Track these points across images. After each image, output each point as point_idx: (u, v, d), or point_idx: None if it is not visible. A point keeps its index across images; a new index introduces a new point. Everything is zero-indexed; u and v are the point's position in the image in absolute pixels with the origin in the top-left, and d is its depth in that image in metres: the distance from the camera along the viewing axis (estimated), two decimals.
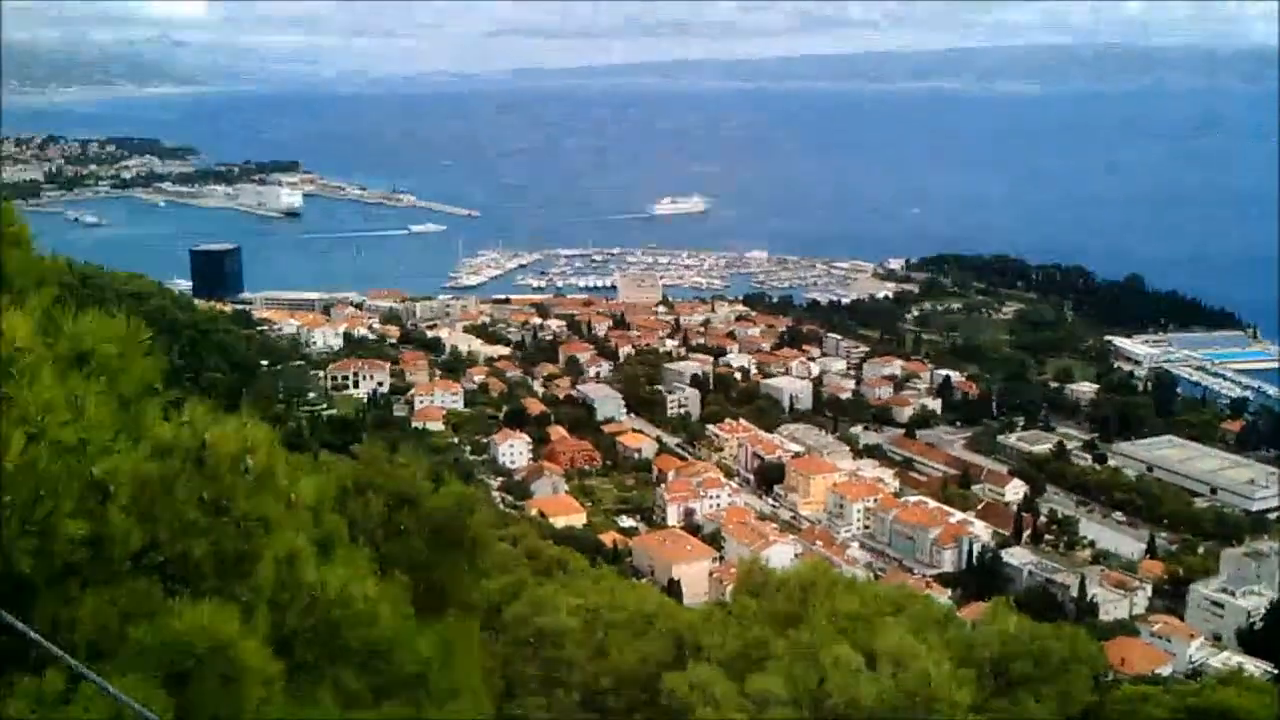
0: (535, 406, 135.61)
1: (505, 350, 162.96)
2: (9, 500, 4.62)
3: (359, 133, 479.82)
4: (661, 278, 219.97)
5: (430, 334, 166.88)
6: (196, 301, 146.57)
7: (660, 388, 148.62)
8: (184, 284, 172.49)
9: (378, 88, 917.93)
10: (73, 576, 5.06)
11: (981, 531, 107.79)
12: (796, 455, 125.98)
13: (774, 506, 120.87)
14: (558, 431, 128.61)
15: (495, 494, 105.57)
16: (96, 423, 5.14)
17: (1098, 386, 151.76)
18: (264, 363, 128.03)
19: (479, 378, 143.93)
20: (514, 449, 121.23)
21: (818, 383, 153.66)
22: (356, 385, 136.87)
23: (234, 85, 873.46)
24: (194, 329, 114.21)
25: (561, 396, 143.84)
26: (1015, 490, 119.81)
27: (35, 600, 4.97)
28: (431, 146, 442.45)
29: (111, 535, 5.05)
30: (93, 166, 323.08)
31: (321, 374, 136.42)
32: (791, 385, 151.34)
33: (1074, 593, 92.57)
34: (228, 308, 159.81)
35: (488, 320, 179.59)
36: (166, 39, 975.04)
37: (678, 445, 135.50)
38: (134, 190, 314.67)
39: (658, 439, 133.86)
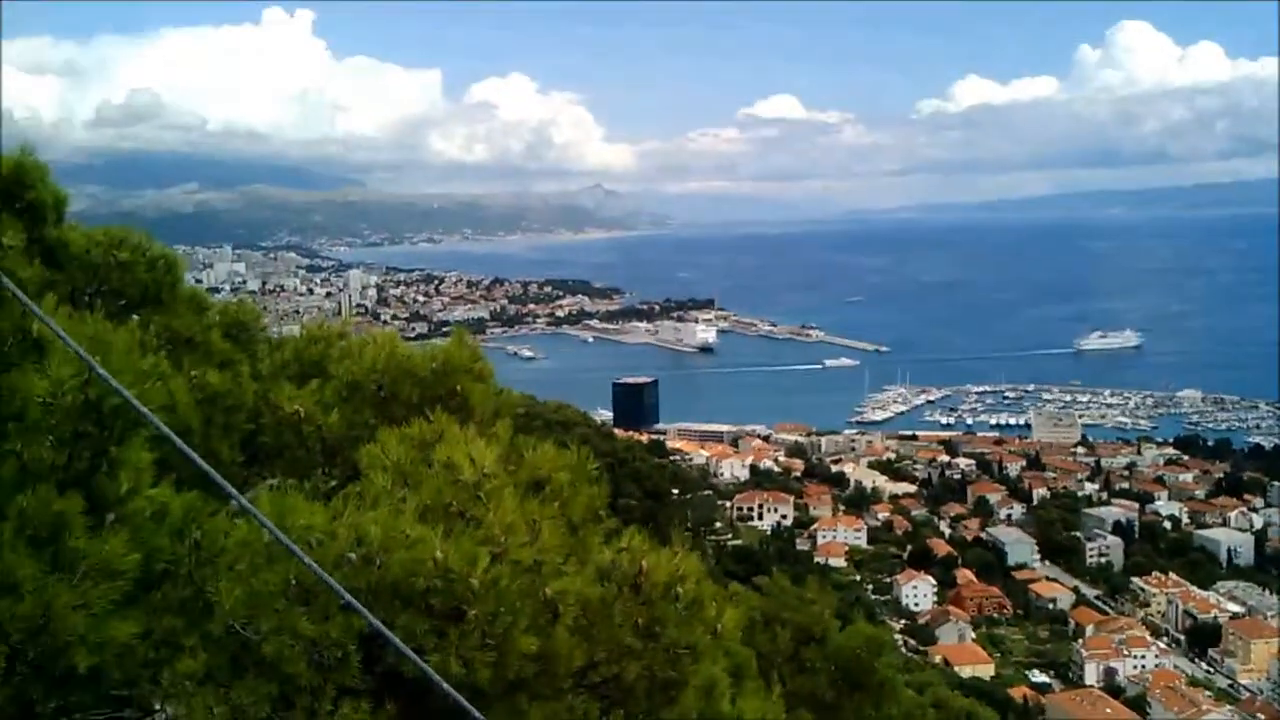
0: (941, 547, 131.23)
1: (910, 488, 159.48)
2: (473, 615, 5.06)
3: (770, 271, 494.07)
4: (1081, 416, 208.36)
5: (835, 468, 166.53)
6: (616, 431, 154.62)
7: (1078, 534, 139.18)
8: (606, 414, 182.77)
9: (788, 227, 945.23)
10: (522, 690, 5.43)
11: None
12: (1235, 616, 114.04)
13: (1208, 672, 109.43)
14: (965, 575, 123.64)
15: (898, 636, 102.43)
16: (550, 545, 5.56)
17: None
18: (675, 491, 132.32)
19: (883, 515, 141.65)
20: (918, 590, 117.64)
21: (1261, 536, 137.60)
22: (760, 517, 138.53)
23: (657, 229, 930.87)
24: (613, 457, 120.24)
25: (969, 538, 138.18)
26: None
27: (489, 711, 5.37)
28: (842, 281, 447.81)
29: (558, 653, 5.39)
30: (531, 305, 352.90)
31: (728, 504, 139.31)
32: (1230, 537, 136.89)
33: None
34: (644, 437, 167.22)
35: (893, 456, 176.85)
36: (599, 189, 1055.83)
37: (1097, 597, 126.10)
38: (566, 327, 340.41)
39: (1075, 589, 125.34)
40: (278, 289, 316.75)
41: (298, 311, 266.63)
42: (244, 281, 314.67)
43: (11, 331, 5.96)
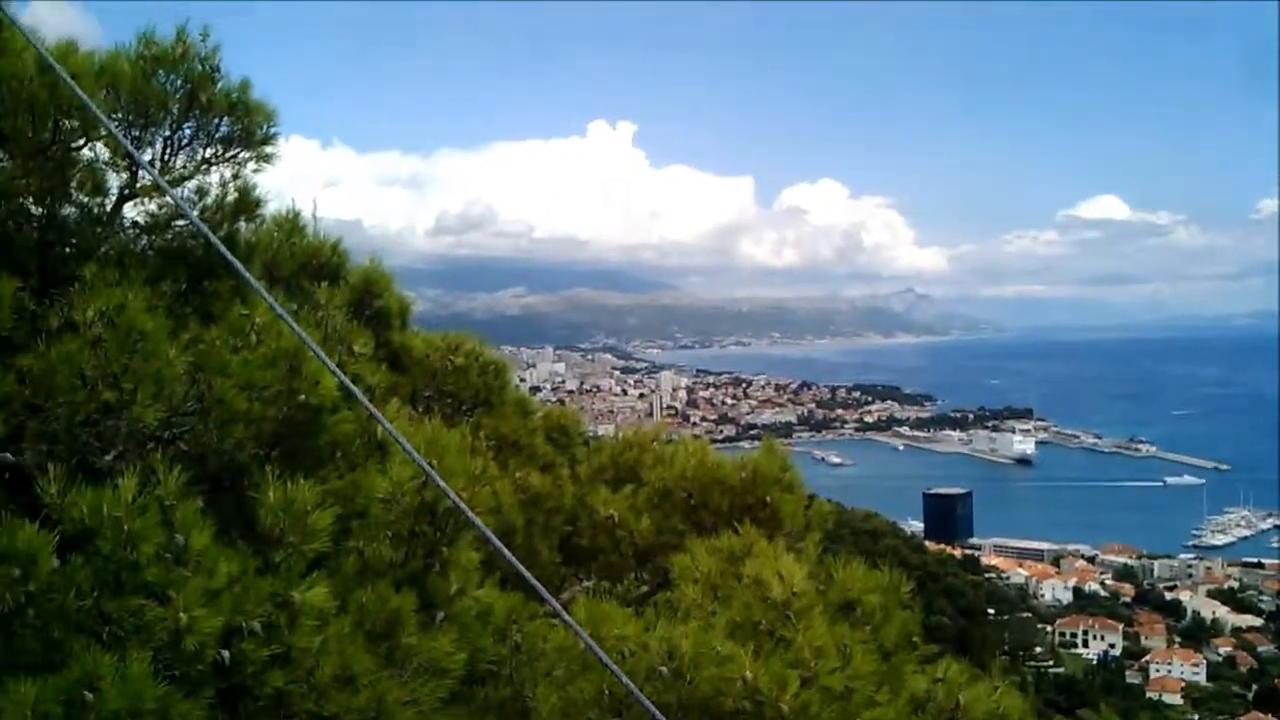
0: None
1: (1256, 620, 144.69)
2: None
3: (1093, 380, 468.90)
4: None
5: (1169, 595, 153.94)
6: (927, 543, 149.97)
7: None
8: (916, 525, 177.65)
9: (1111, 333, 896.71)
10: None
11: None
12: None
13: None
14: None
15: None
16: (862, 672, 5.37)
17: None
18: (990, 611, 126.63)
19: (1224, 649, 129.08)
20: None
21: None
22: (1085, 644, 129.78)
23: (971, 334, 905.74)
24: (924, 571, 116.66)
25: None
26: None
27: None
28: (1172, 392, 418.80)
29: None
30: (839, 410, 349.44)
31: (1048, 628, 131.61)
32: None
33: None
34: (957, 552, 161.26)
35: (1236, 585, 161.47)
36: (911, 292, 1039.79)
37: None
38: (874, 433, 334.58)
39: None
40: (594, 389, 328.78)
41: (612, 411, 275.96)
42: (563, 381, 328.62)
43: (358, 433, 6.44)
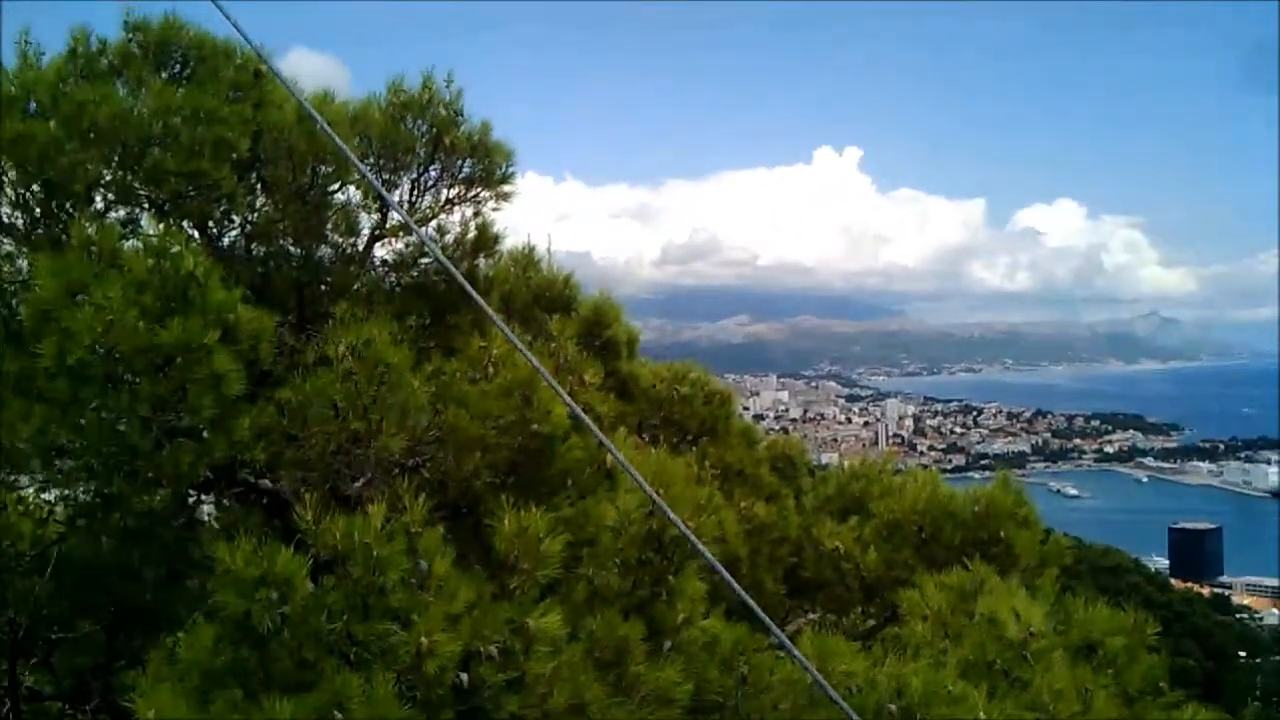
0: None
1: None
2: None
3: None
4: None
5: None
6: (1173, 581, 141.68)
7: None
8: (1161, 561, 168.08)
9: None
10: None
11: None
12: None
13: None
14: None
15: None
16: (1104, 717, 5.12)
17: None
18: (1242, 654, 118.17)
19: None
20: None
21: None
22: None
23: (1223, 359, 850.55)
24: (1168, 609, 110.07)
25: None
26: None
27: None
28: None
29: None
30: (1076, 440, 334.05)
31: None
32: None
33: None
34: (1205, 590, 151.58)
35: None
36: (1155, 316, 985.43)
37: None
38: (1115, 464, 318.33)
39: None
40: (818, 417, 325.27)
41: (836, 440, 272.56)
42: (787, 409, 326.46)
43: (588, 461, 6.61)
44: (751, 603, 4.14)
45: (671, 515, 4.84)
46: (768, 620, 4.15)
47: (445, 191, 7.91)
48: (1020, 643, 5.48)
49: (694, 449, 9.68)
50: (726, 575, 4.26)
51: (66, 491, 6.89)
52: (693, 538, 4.63)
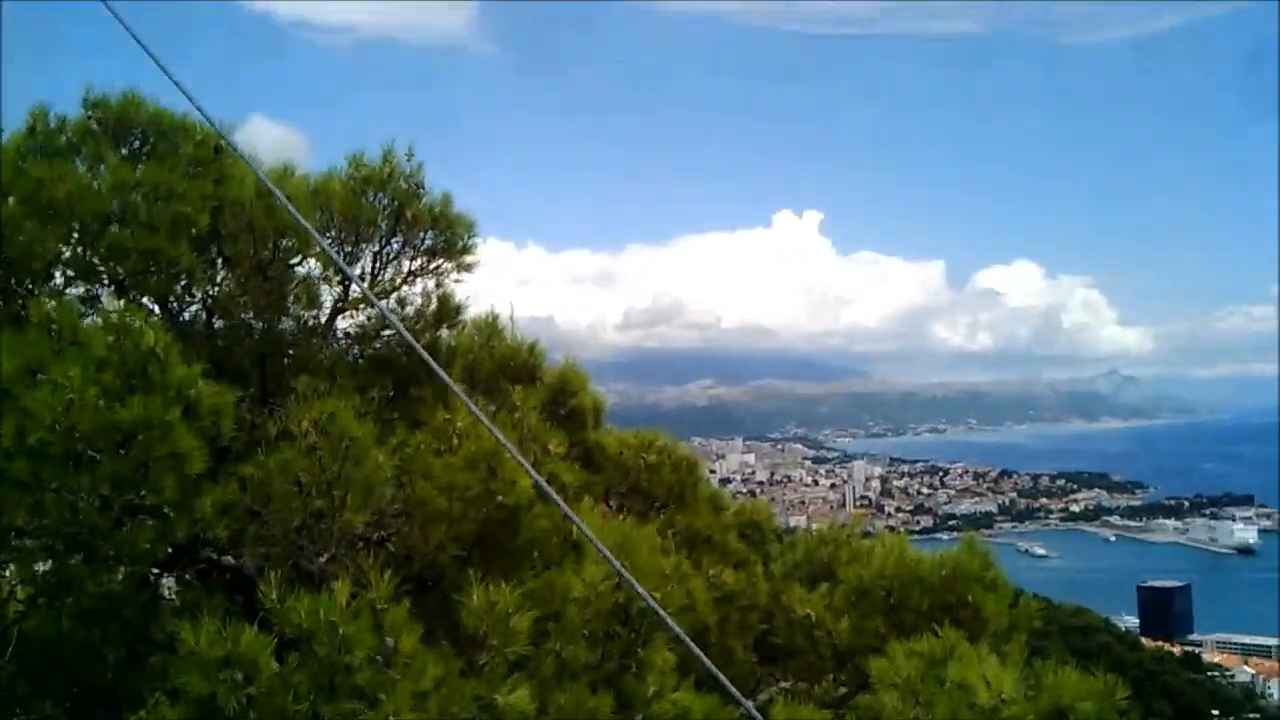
0: None
1: None
2: None
3: None
4: None
5: None
6: (1143, 640, 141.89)
7: None
8: (1130, 620, 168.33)
9: None
10: None
11: None
12: None
13: None
14: None
15: None
16: None
17: None
18: (1214, 712, 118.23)
19: None
20: None
21: None
22: None
23: (1183, 416, 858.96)
24: (1139, 669, 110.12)
25: None
26: None
27: None
28: None
29: None
30: (1043, 499, 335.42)
31: None
32: None
33: None
34: (1176, 649, 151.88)
35: None
36: (1115, 374, 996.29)
37: None
38: (1081, 523, 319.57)
39: None
40: (785, 479, 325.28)
41: (804, 502, 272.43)
42: (753, 472, 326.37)
43: (555, 532, 6.57)
44: (721, 677, 4.11)
45: (638, 587, 4.80)
46: (736, 693, 4.11)
47: (407, 263, 7.94)
48: (991, 710, 5.46)
49: (661, 516, 9.65)
50: (695, 649, 4.23)
51: (27, 569, 6.77)
52: (659, 610, 4.59)
